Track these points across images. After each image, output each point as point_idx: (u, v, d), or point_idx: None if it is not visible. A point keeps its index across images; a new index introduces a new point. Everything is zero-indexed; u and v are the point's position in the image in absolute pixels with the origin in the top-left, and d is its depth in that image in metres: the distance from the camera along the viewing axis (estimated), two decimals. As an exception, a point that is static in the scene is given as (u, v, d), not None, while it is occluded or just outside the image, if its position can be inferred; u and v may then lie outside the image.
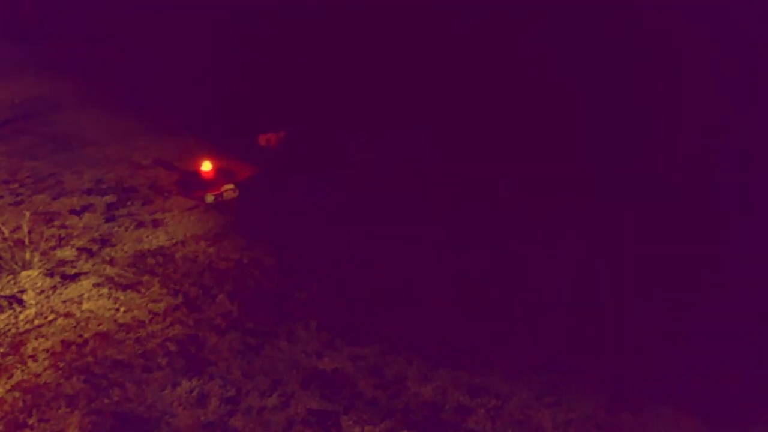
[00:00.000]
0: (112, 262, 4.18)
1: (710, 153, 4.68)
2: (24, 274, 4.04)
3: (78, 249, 4.33)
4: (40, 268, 4.10)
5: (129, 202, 4.94)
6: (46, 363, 3.32)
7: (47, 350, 3.40)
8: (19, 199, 4.97)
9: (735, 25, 4.50)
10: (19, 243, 4.28)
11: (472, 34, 5.97)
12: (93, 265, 4.15)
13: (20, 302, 3.79)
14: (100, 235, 4.50)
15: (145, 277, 4.02)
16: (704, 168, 4.68)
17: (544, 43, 5.52)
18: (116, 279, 4.00)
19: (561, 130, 5.35)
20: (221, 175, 5.32)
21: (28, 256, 4.16)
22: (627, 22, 5.10)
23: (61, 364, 3.31)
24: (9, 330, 3.55)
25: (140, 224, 4.64)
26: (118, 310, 3.72)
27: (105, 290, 3.89)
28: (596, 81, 5.26)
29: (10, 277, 4.01)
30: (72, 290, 3.90)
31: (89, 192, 5.09)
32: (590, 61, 5.29)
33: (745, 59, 4.51)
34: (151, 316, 3.67)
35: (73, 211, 4.81)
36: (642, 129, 5.04)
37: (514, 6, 5.65)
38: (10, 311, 3.71)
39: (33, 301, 3.80)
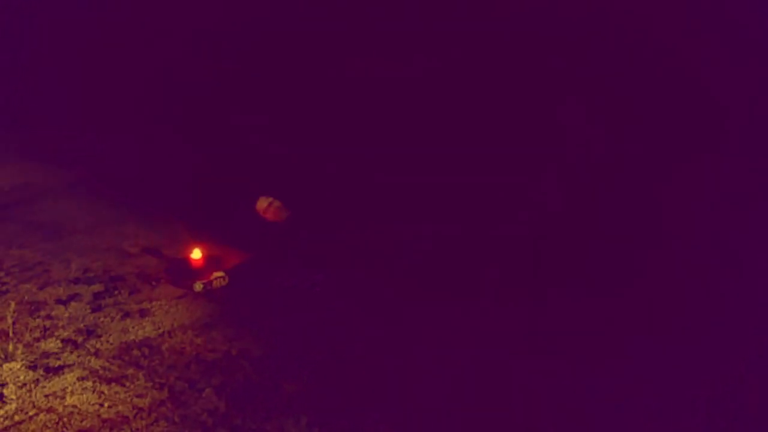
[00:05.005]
0: (97, 354, 4.09)
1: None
2: (6, 366, 3.93)
3: (63, 340, 4.24)
4: (23, 360, 4.00)
5: (116, 292, 4.88)
6: (26, 463, 3.20)
7: (27, 449, 3.28)
8: (4, 288, 4.90)
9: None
10: (3, 334, 4.20)
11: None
12: (78, 357, 4.06)
13: (0, 397, 3.67)
14: (85, 325, 4.42)
15: (130, 370, 3.93)
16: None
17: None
18: (101, 372, 3.91)
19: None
20: (211, 262, 5.28)
21: (11, 347, 4.06)
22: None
23: (41, 465, 3.19)
24: (-13, 427, 3.44)
25: (126, 314, 4.57)
26: (102, 405, 3.61)
27: (89, 384, 3.79)
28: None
29: (-9, 370, 3.91)
30: (55, 384, 3.79)
31: (76, 281, 5.03)
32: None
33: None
34: (135, 411, 3.56)
35: (59, 301, 4.73)
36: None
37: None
38: (-10, 407, 3.59)
39: (14, 396, 3.68)
